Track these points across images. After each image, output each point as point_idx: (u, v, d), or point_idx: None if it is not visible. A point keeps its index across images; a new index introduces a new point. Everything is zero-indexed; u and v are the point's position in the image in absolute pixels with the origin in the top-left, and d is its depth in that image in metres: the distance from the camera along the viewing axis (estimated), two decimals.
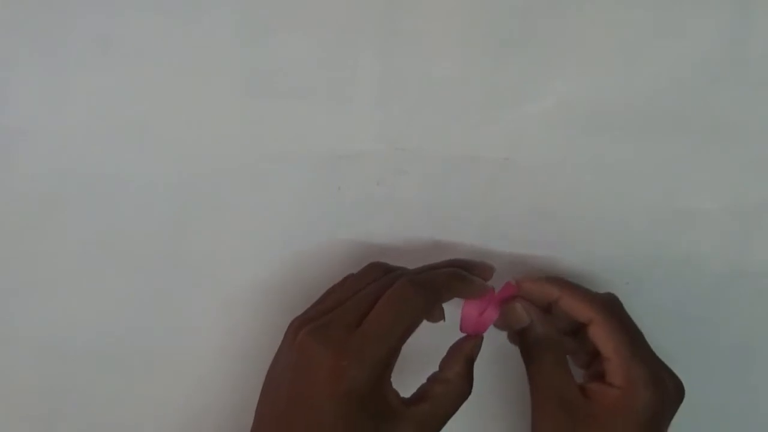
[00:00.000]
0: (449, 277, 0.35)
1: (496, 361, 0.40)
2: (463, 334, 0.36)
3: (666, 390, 0.34)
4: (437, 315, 0.36)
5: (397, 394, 0.34)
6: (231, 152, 0.40)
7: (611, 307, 0.36)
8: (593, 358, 0.37)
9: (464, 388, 0.34)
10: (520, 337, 0.36)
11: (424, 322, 0.34)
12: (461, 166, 0.39)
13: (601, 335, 0.35)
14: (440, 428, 0.34)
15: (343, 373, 0.32)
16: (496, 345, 0.38)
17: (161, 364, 0.44)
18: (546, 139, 0.39)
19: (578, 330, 0.37)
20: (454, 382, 0.34)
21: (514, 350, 0.37)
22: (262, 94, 0.39)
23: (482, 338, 0.36)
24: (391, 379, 0.33)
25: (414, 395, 0.34)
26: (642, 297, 0.40)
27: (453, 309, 0.36)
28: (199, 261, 0.42)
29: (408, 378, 0.35)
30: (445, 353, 0.36)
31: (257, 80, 0.38)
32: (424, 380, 0.35)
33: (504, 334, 0.39)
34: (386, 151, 0.39)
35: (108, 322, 0.43)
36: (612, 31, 0.37)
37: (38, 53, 0.38)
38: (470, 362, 0.35)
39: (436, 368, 0.35)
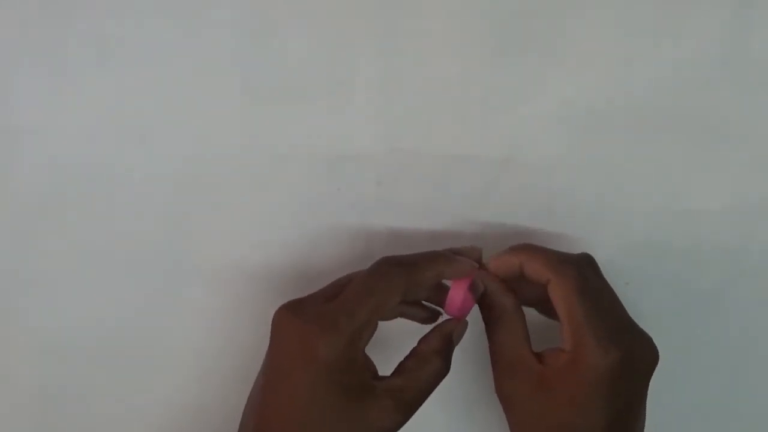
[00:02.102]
0: (430, 256, 0.35)
1: None
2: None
3: (627, 352, 0.33)
4: (422, 312, 0.37)
5: (371, 367, 0.34)
6: (231, 152, 0.40)
7: (569, 265, 0.34)
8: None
9: (438, 364, 0.34)
10: (481, 310, 0.36)
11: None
12: (461, 166, 0.39)
13: (556, 297, 0.34)
14: (415, 404, 0.34)
15: (313, 343, 0.32)
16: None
17: (162, 364, 0.44)
18: (546, 139, 0.39)
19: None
20: (428, 358, 0.34)
21: None
22: (262, 95, 0.39)
23: (466, 323, 0.36)
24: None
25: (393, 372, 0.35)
26: (642, 297, 0.40)
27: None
28: (199, 261, 0.42)
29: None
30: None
31: (257, 80, 0.38)
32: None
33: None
34: (386, 151, 0.39)
35: (108, 321, 0.43)
36: (612, 31, 0.37)
37: (39, 53, 0.38)
38: (448, 340, 0.35)
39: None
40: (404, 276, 0.34)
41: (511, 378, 0.34)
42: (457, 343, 0.36)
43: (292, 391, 0.33)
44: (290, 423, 0.33)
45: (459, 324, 0.36)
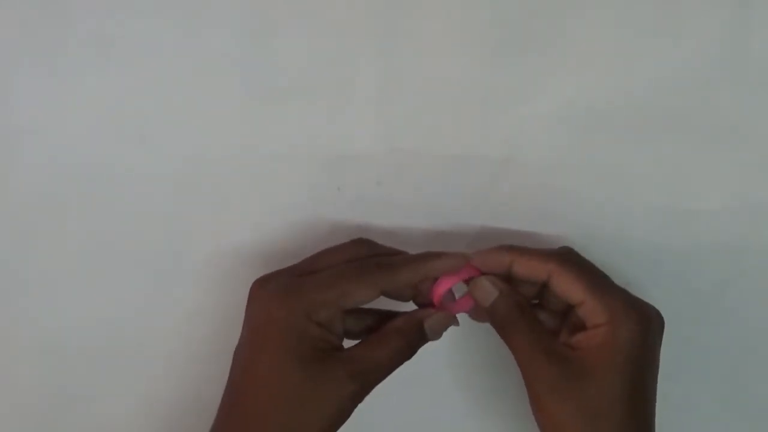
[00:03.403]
0: (411, 259, 0.36)
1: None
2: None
3: (649, 315, 0.34)
4: (404, 293, 0.37)
5: (332, 340, 0.34)
6: (231, 152, 0.40)
7: (566, 256, 0.36)
8: (564, 318, 0.36)
9: (398, 343, 0.35)
10: (490, 313, 0.36)
11: None
12: (461, 166, 0.39)
13: (566, 283, 0.34)
14: (371, 377, 0.34)
15: (270, 309, 0.34)
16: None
17: (162, 364, 0.44)
18: (546, 139, 0.39)
19: (542, 293, 0.36)
20: (390, 335, 0.35)
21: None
22: (262, 94, 0.39)
23: (450, 317, 0.36)
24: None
25: None
26: (642, 297, 0.40)
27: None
28: (199, 261, 0.42)
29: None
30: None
31: (257, 80, 0.38)
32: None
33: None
34: (386, 151, 0.39)
35: (108, 321, 0.43)
36: (612, 31, 0.37)
37: (38, 53, 0.38)
38: (415, 324, 0.35)
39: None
40: (380, 281, 0.35)
41: (548, 370, 0.33)
42: (432, 336, 0.36)
43: (251, 358, 0.34)
44: (248, 388, 0.34)
45: (435, 314, 0.36)
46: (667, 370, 0.41)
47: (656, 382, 0.34)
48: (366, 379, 0.34)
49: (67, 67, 0.38)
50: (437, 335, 0.36)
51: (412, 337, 0.35)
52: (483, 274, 0.36)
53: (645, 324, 0.33)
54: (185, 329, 0.43)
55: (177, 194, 0.41)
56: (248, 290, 0.36)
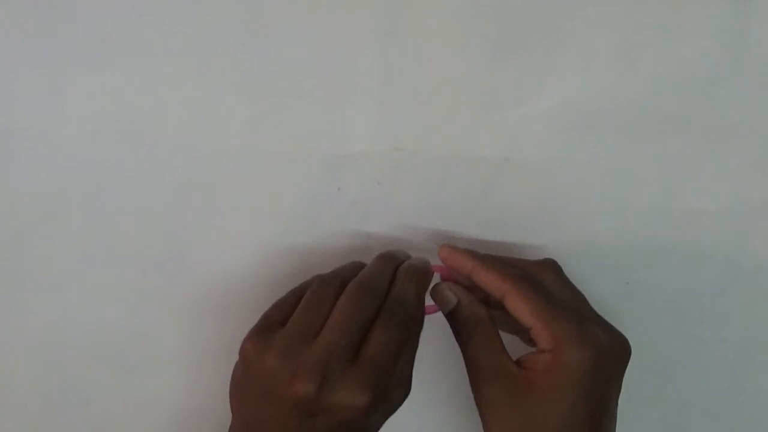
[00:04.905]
0: (390, 272, 0.36)
1: None
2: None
3: (598, 344, 0.33)
4: None
5: None
6: (231, 152, 0.40)
7: (525, 274, 0.35)
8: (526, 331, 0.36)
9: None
10: (449, 318, 0.36)
11: None
12: (461, 166, 0.39)
13: (517, 305, 0.34)
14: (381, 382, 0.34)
15: (288, 387, 0.32)
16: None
17: (161, 364, 0.44)
18: (546, 139, 0.39)
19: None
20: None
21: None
22: (262, 94, 0.39)
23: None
24: None
25: None
26: (642, 297, 0.40)
27: None
28: (198, 261, 0.42)
29: None
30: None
31: (257, 80, 0.38)
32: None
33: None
34: (386, 151, 0.39)
35: (108, 321, 0.43)
36: (612, 31, 0.37)
37: (38, 53, 0.38)
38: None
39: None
40: (377, 298, 0.34)
41: (491, 386, 0.34)
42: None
43: (266, 425, 0.33)
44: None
45: None
46: (667, 371, 0.41)
47: (609, 412, 0.34)
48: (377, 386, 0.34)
49: (67, 67, 0.38)
50: None
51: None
52: (450, 273, 0.37)
53: (589, 354, 0.33)
54: (185, 329, 0.43)
55: (177, 194, 0.41)
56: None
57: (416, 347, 0.35)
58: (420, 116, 0.39)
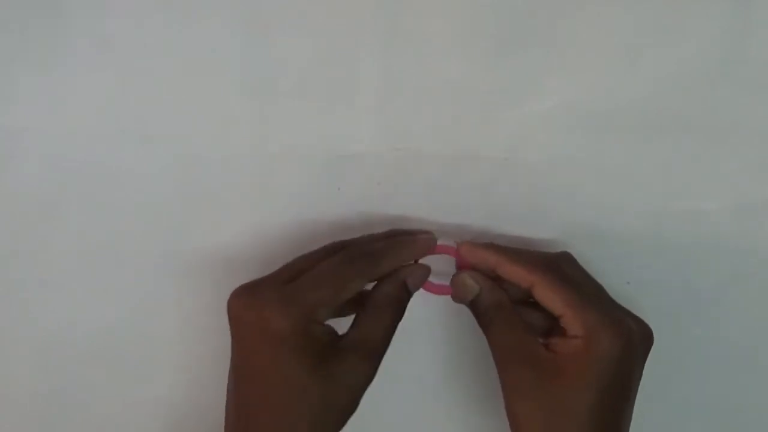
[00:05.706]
0: (392, 245, 0.36)
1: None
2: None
3: (629, 332, 0.34)
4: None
5: (330, 330, 0.35)
6: (231, 152, 0.40)
7: (551, 264, 0.36)
8: (552, 323, 0.36)
9: (393, 310, 0.35)
10: (471, 308, 0.37)
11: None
12: (461, 166, 0.39)
13: (547, 295, 0.34)
14: (379, 352, 0.35)
15: (271, 323, 0.33)
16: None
17: (161, 363, 0.44)
18: (546, 139, 0.39)
19: (530, 297, 0.37)
20: (382, 305, 0.35)
21: None
22: (262, 94, 0.39)
23: (424, 267, 0.37)
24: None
25: None
26: (642, 297, 0.40)
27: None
28: (199, 261, 0.42)
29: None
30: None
31: (257, 80, 0.38)
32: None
33: None
34: (386, 151, 0.39)
35: (108, 321, 0.43)
36: (612, 31, 0.37)
37: (38, 53, 0.38)
38: (400, 284, 0.36)
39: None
40: (368, 272, 0.35)
41: (520, 368, 0.34)
42: (415, 290, 0.37)
43: (260, 372, 0.34)
44: (264, 402, 0.34)
45: (414, 269, 0.37)
46: (667, 371, 0.41)
47: (631, 399, 0.35)
48: (375, 357, 0.35)
49: (67, 67, 0.38)
50: (418, 288, 0.37)
51: (402, 299, 0.36)
52: (467, 263, 0.37)
53: (621, 341, 0.33)
54: (185, 329, 0.43)
55: (176, 194, 0.41)
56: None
57: None
58: (420, 116, 0.39)
